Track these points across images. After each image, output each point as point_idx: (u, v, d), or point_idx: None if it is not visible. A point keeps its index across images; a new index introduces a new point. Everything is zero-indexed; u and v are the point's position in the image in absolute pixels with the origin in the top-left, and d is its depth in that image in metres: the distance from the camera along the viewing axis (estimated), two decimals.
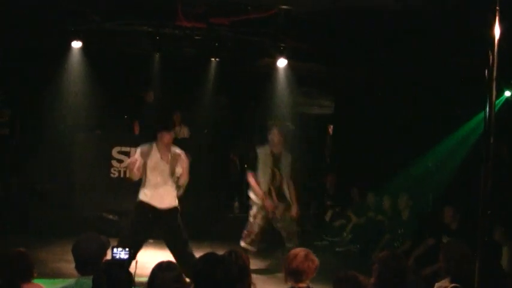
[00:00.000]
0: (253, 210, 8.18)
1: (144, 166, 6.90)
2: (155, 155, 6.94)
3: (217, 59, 11.03)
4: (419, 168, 10.11)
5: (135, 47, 10.49)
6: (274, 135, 8.14)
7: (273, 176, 8.14)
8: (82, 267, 4.05)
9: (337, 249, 10.06)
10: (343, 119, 12.51)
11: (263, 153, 8.12)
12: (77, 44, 9.85)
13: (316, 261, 4.52)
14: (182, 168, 7.03)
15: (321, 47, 9.58)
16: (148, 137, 10.46)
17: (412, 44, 8.75)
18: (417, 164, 10.10)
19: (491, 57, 3.47)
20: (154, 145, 6.96)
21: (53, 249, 8.11)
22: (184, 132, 11.26)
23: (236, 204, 10.78)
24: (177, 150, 7.07)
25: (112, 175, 10.18)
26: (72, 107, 10.53)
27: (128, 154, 10.20)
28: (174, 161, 7.01)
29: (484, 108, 3.48)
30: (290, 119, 12.14)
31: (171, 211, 7.03)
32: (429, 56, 8.87)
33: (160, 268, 3.73)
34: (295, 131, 12.00)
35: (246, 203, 10.88)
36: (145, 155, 6.91)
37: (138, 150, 7.00)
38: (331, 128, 13.42)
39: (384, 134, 10.86)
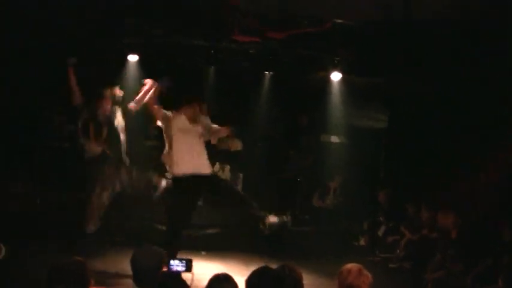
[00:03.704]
0: None
1: None
2: None
3: (271, 73, 11.07)
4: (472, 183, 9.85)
5: (191, 60, 10.58)
6: None
7: None
8: (139, 280, 4.08)
9: (390, 265, 9.89)
10: (397, 133, 12.32)
11: None
12: (133, 58, 10.03)
13: (370, 276, 4.44)
14: None
15: (375, 60, 9.49)
16: None
17: (475, 57, 8.56)
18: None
19: None
20: None
21: (107, 258, 8.20)
22: (237, 144, 11.29)
23: (288, 217, 10.70)
24: None
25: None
26: (128, 119, 10.64)
27: None
28: None
29: None
30: (343, 133, 12.05)
31: None
32: (489, 69, 8.67)
33: (218, 280, 3.72)
34: (348, 145, 11.91)
35: (299, 217, 10.88)
36: None
37: None
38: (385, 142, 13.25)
39: (439, 148, 10.65)
